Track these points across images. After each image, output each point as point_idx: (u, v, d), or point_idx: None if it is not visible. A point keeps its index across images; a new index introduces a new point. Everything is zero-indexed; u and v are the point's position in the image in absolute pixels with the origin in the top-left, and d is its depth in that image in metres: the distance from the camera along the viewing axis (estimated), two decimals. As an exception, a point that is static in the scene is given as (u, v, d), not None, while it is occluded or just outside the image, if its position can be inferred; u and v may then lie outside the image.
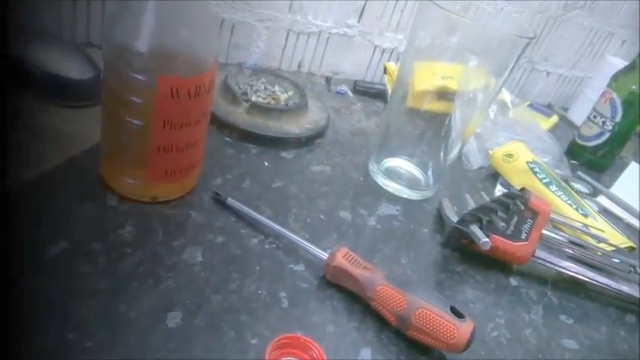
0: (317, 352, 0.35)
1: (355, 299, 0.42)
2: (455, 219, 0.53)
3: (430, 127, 0.59)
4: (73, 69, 0.53)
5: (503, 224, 0.50)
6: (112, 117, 0.41)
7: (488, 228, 0.51)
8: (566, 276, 0.53)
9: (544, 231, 0.52)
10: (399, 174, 0.61)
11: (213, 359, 0.34)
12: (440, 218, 0.57)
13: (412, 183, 0.60)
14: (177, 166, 0.44)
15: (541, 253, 0.52)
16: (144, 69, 0.37)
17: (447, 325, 0.38)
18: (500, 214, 0.51)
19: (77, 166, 0.46)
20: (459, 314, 0.39)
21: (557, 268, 0.53)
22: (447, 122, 0.57)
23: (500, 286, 0.51)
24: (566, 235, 0.55)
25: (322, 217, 0.51)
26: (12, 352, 0.30)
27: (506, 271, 0.53)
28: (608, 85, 0.84)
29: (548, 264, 0.53)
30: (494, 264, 0.52)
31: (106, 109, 0.42)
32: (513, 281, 0.52)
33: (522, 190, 0.53)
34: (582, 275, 0.53)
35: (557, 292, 0.52)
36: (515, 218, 0.51)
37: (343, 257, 0.42)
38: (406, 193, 0.59)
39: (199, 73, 0.40)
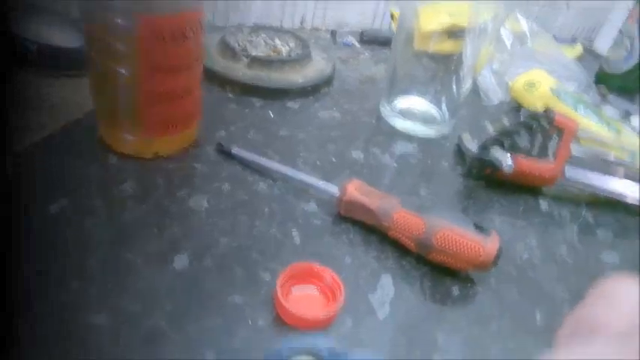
0: (331, 278, 0.33)
1: (372, 231, 0.40)
2: (475, 149, 0.50)
3: (440, 68, 0.56)
4: (64, 38, 0.52)
5: (528, 145, 0.47)
6: (99, 71, 0.40)
7: (512, 150, 0.47)
8: (601, 195, 0.50)
9: (573, 149, 0.48)
10: (413, 113, 0.58)
11: (225, 297, 0.32)
12: (460, 152, 0.54)
13: (427, 120, 0.57)
14: (174, 116, 0.42)
15: (571, 173, 0.49)
16: (122, 10, 0.36)
17: (471, 243, 0.35)
18: (523, 135, 0.48)
19: (76, 130, 0.45)
20: (483, 230, 0.36)
21: (590, 188, 0.49)
22: (457, 58, 0.54)
23: (530, 210, 0.47)
24: (598, 152, 0.51)
25: (333, 159, 0.49)
26: (17, 302, 0.30)
27: (535, 195, 0.49)
28: (637, 1, 0.78)
29: (579, 184, 0.49)
30: (522, 189, 0.49)
31: (92, 64, 0.40)
32: (543, 204, 0.49)
33: (546, 110, 0.50)
34: (618, 192, 0.49)
35: (592, 211, 0.49)
36: (540, 138, 0.48)
37: (355, 189, 0.40)
38: (421, 130, 0.56)
39: (180, 11, 0.38)
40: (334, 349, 0.24)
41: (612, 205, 0.50)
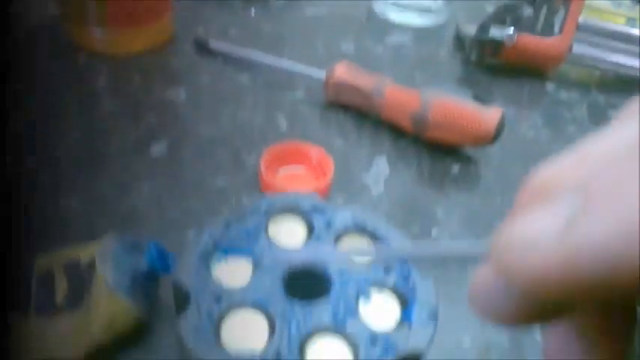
0: (320, 155, 0.31)
1: (365, 116, 0.37)
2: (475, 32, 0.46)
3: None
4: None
5: (531, 18, 0.43)
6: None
7: (514, 26, 0.43)
8: (612, 75, 0.46)
9: (581, 20, 0.44)
10: (406, 3, 0.54)
11: (207, 180, 0.30)
12: (459, 40, 0.50)
13: (422, 9, 0.53)
14: (139, 6, 0.39)
15: (579, 49, 0.45)
16: None
17: (470, 114, 0.33)
18: (526, 10, 0.44)
19: (44, 33, 0.41)
20: (483, 101, 0.33)
21: (601, 64, 0.46)
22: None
23: (536, 92, 0.44)
24: (608, 25, 0.47)
25: (321, 52, 0.46)
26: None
27: (541, 78, 0.46)
28: None
29: (589, 60, 0.45)
30: (526, 73, 0.45)
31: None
32: (550, 86, 0.45)
33: (550, -19, 0.45)
34: (630, 66, 0.46)
35: (603, 92, 0.45)
36: (545, 10, 0.44)
37: (344, 70, 0.37)
38: (417, 20, 0.52)
39: None
40: (317, 204, 0.22)
41: (624, 84, 0.46)
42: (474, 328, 0.25)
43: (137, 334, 0.22)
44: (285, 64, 0.39)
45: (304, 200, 0.22)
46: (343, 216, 0.21)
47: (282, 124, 0.36)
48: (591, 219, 0.07)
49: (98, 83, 0.37)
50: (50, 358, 0.21)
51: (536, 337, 0.26)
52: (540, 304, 0.09)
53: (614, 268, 0.07)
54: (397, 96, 0.34)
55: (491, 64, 0.45)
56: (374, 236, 0.21)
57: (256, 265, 0.19)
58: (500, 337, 0.25)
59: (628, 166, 0.07)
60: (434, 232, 0.30)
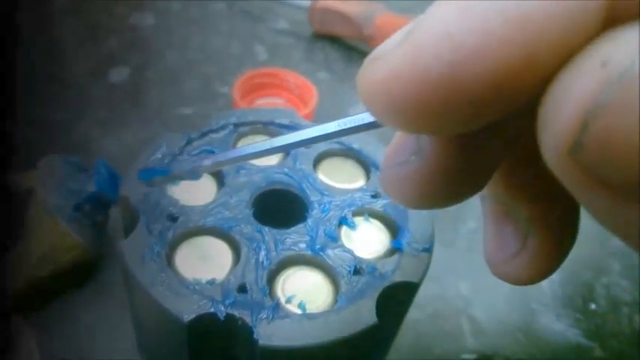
0: (301, 83, 0.27)
1: (354, 49, 0.34)
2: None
3: None
4: None
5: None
6: None
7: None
8: None
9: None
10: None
11: (172, 109, 0.27)
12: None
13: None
14: None
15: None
16: None
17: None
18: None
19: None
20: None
21: None
22: None
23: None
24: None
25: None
26: None
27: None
28: None
29: None
30: None
31: None
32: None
33: None
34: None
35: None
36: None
37: (330, -4, 0.33)
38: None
39: None
40: (297, 121, 0.19)
41: None
42: (472, 273, 0.23)
43: (84, 270, 0.19)
44: (267, -9, 0.36)
45: (281, 116, 0.18)
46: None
47: (261, 55, 0.32)
48: (433, 10, 0.06)
49: (57, 4, 0.33)
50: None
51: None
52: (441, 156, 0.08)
53: (465, 56, 0.06)
54: (390, 24, 0.31)
55: None
56: (360, 158, 0.18)
57: (221, 183, 0.16)
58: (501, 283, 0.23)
59: None
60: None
